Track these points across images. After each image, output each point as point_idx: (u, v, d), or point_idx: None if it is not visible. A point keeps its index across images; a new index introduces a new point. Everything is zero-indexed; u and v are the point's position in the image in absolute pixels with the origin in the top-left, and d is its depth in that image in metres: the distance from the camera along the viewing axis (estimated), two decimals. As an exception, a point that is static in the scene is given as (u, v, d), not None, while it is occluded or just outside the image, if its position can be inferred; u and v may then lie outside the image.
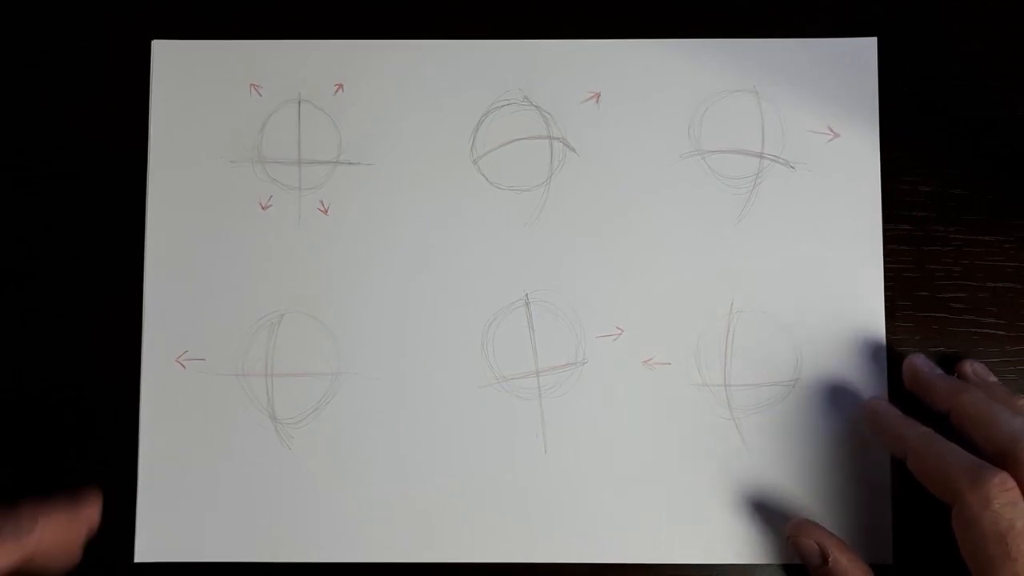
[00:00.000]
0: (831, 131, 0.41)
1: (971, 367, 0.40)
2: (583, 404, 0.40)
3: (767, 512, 0.39)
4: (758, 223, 0.41)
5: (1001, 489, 0.32)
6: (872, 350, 0.40)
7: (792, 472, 0.40)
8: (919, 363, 0.39)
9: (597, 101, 0.42)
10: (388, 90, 0.42)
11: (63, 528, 0.36)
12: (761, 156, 0.41)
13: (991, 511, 0.32)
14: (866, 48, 0.42)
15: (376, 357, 0.41)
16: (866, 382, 0.40)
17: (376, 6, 0.42)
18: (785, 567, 0.39)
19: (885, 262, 0.41)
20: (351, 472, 0.40)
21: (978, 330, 0.40)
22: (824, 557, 0.37)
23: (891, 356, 0.40)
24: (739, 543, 0.39)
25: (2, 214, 0.42)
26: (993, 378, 0.40)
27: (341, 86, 0.42)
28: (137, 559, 0.40)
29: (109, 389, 0.41)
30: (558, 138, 0.42)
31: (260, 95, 0.42)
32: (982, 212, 0.41)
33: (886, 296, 0.41)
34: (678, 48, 0.42)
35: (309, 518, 0.40)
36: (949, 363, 0.40)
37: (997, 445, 0.34)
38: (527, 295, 0.41)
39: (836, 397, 0.40)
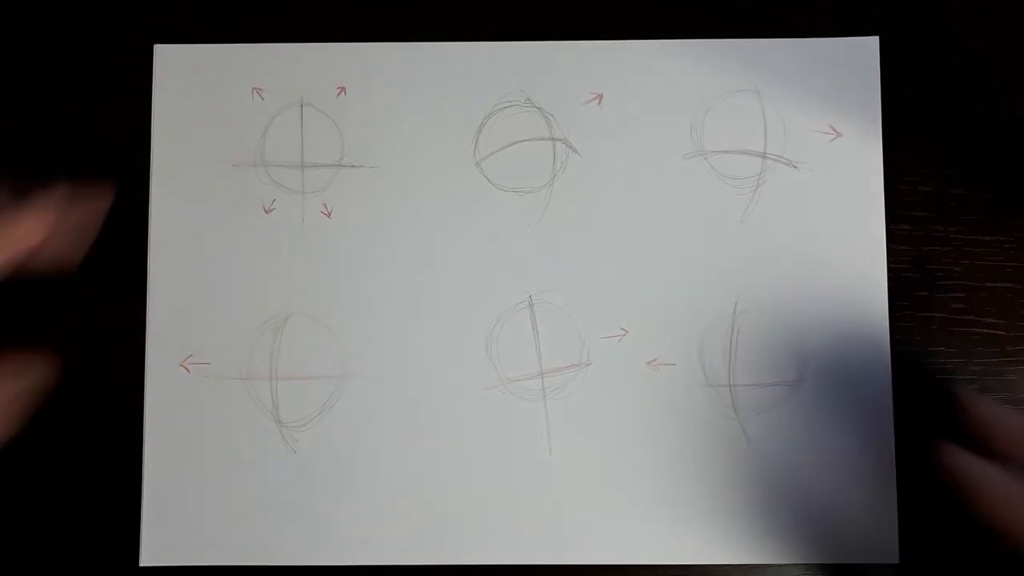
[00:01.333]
0: (833, 130, 0.41)
1: None
2: (588, 405, 0.41)
3: (772, 512, 0.40)
4: (761, 223, 0.41)
5: None
6: (876, 349, 0.40)
7: (797, 471, 0.40)
8: (981, 404, 0.35)
9: (599, 102, 0.42)
10: (390, 93, 0.42)
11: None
12: (764, 156, 0.41)
13: None
14: (868, 47, 0.42)
15: (380, 360, 0.41)
16: (870, 381, 0.40)
17: (377, 8, 0.42)
18: (785, 567, 0.40)
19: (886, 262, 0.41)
20: (356, 475, 0.40)
21: (978, 330, 0.41)
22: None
23: (894, 355, 0.40)
24: (744, 543, 0.40)
25: (2, 219, 0.42)
26: None
27: (343, 89, 0.42)
28: (142, 563, 0.40)
29: (113, 393, 0.41)
30: (560, 139, 0.42)
31: (262, 99, 0.42)
32: (982, 212, 0.41)
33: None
34: (680, 49, 0.42)
35: (314, 521, 0.40)
36: (949, 362, 0.41)
37: None
38: (531, 297, 0.41)
39: (840, 396, 0.40)
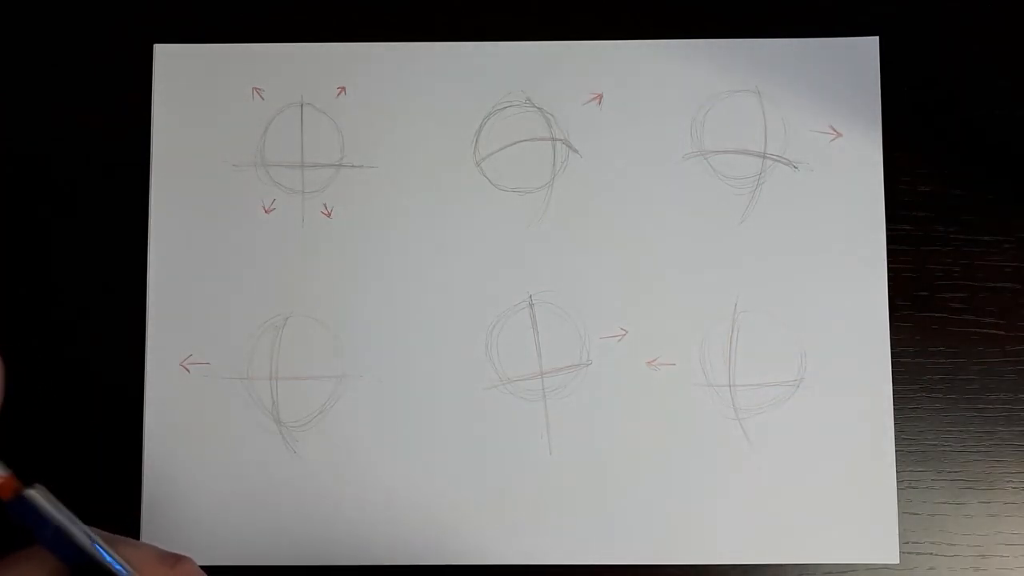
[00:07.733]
0: (833, 130, 0.41)
1: None
2: (588, 405, 0.41)
3: (772, 512, 0.40)
4: (761, 223, 0.41)
5: None
6: (876, 349, 0.40)
7: (797, 472, 0.40)
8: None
9: (599, 102, 0.42)
10: (390, 93, 0.42)
11: None
12: (764, 156, 0.41)
13: None
14: (868, 47, 0.42)
15: (380, 360, 0.41)
16: (870, 381, 0.40)
17: (378, 8, 0.42)
18: (785, 567, 0.40)
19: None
20: (356, 475, 0.40)
21: (978, 330, 0.41)
22: None
23: (894, 355, 0.40)
24: (743, 543, 0.40)
25: (6, 219, 0.42)
26: None
27: (343, 89, 0.42)
28: (143, 563, 0.40)
29: (113, 393, 0.41)
30: (560, 139, 0.42)
31: (262, 99, 0.42)
32: (982, 212, 0.41)
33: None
34: (680, 49, 0.42)
35: (314, 522, 0.40)
36: (949, 362, 0.41)
37: None
38: (531, 296, 0.41)
39: (840, 396, 0.40)
